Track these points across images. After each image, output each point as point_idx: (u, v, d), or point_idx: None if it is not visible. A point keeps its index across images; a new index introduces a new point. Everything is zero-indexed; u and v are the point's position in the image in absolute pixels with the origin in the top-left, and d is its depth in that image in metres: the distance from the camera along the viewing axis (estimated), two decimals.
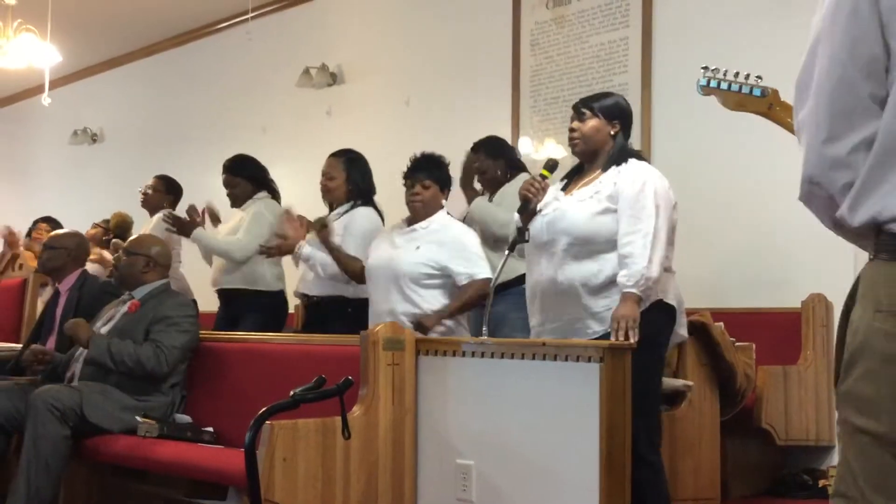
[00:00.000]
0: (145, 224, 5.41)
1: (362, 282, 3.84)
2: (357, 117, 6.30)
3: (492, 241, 4.11)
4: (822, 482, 3.88)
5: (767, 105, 2.48)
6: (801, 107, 1.40)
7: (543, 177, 3.23)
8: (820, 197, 1.37)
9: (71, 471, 3.58)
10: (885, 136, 1.29)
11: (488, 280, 3.51)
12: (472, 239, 3.71)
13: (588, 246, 3.05)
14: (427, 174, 3.73)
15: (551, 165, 3.29)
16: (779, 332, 4.20)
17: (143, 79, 8.20)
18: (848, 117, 1.32)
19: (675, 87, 4.67)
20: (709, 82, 2.42)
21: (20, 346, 4.54)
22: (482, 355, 3.12)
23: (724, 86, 2.43)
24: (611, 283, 3.02)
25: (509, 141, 5.31)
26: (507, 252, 3.34)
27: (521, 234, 3.24)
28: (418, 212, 3.72)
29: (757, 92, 2.43)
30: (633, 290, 2.94)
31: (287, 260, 4.59)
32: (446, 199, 3.82)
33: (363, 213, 4.14)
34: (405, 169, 3.80)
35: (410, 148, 5.86)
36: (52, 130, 8.85)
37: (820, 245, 4.18)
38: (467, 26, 5.77)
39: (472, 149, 4.43)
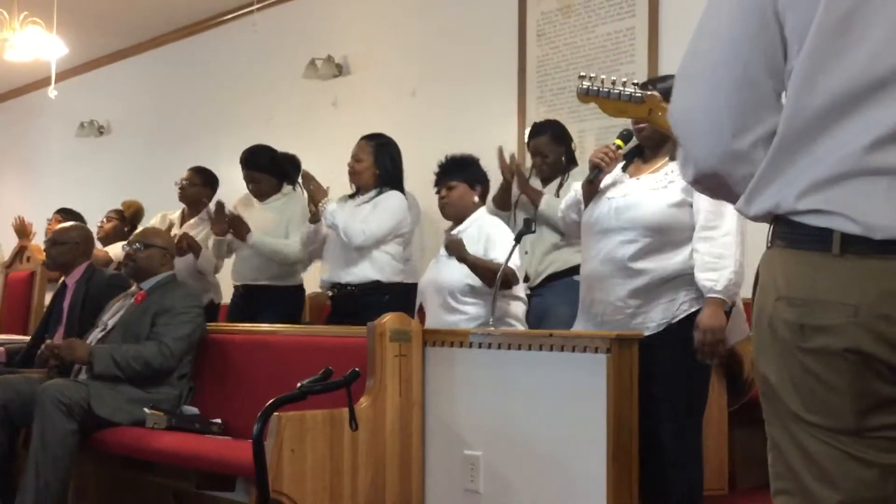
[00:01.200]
0: (164, 219, 5.30)
1: (504, 286, 3.48)
2: (363, 108, 6.29)
3: (550, 230, 4.02)
4: None
5: (647, 110, 2.44)
6: (687, 96, 1.40)
7: (618, 146, 3.01)
8: (718, 188, 1.40)
9: (80, 463, 3.59)
10: (783, 131, 1.30)
11: (514, 273, 3.46)
12: (499, 230, 3.59)
13: (658, 238, 2.85)
14: (451, 176, 3.67)
15: (626, 135, 3.05)
16: None
17: (150, 71, 8.20)
18: (753, 112, 1.34)
19: None
20: (588, 90, 2.39)
21: (28, 338, 4.56)
22: (489, 346, 3.12)
23: (602, 93, 2.39)
24: (677, 277, 2.84)
25: (515, 131, 5.31)
26: (514, 242, 3.33)
27: (528, 225, 3.22)
28: (449, 214, 3.68)
29: (636, 98, 2.40)
30: (720, 295, 2.74)
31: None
32: (482, 195, 3.70)
33: (391, 194, 4.08)
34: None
35: (417, 139, 5.87)
36: (59, 123, 8.85)
37: None
38: (473, 17, 5.75)
39: (534, 131, 4.31)
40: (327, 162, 4.81)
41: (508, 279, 3.44)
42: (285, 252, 4.56)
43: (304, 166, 4.85)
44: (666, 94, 2.97)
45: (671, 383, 2.85)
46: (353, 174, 4.19)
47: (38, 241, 5.90)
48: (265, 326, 4.02)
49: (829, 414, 1.28)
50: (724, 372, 3.58)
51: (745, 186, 1.36)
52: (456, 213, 3.65)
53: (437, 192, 3.71)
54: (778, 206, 1.31)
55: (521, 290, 3.64)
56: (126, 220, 5.98)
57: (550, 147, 4.22)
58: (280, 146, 5.04)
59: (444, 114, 5.83)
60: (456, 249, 3.49)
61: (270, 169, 4.73)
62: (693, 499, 2.89)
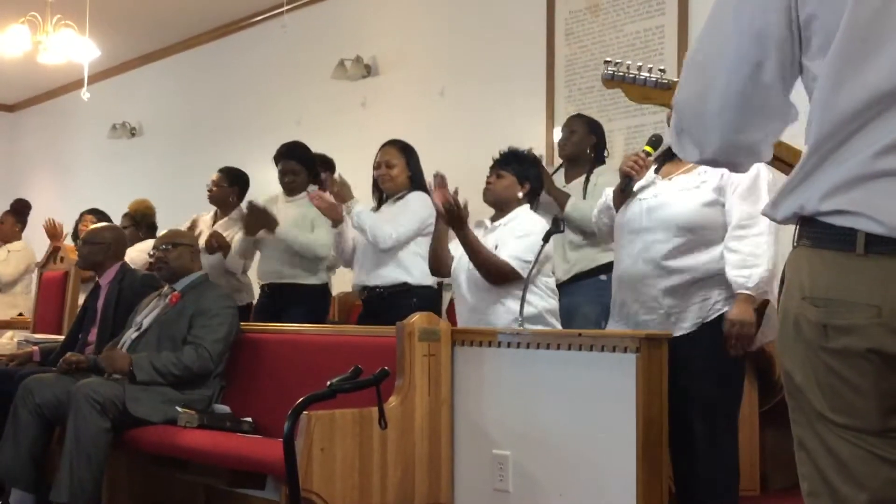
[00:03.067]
0: (195, 222, 5.34)
1: (497, 280, 3.38)
2: (392, 108, 6.30)
3: (579, 231, 4.00)
4: None
5: (672, 97, 2.44)
6: (694, 85, 1.41)
7: (647, 153, 3.03)
8: (717, 166, 1.47)
9: (113, 461, 3.63)
10: (816, 136, 1.30)
11: (512, 269, 3.32)
12: (535, 229, 3.41)
13: (690, 238, 2.86)
14: (504, 165, 3.54)
15: (654, 141, 3.08)
16: None
17: (181, 72, 8.27)
18: (762, 111, 1.35)
19: None
20: (613, 76, 2.38)
21: (62, 337, 4.62)
22: (518, 346, 3.12)
23: (628, 79, 2.38)
24: (710, 277, 2.85)
25: (543, 131, 5.30)
26: (542, 241, 3.31)
27: (557, 224, 3.21)
28: (488, 200, 3.52)
29: (662, 84, 2.39)
30: (751, 292, 2.75)
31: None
32: (529, 195, 3.55)
33: (422, 197, 4.05)
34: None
35: (445, 139, 5.88)
36: (92, 125, 8.95)
37: None
38: (501, 16, 5.75)
39: (574, 115, 4.33)
40: (357, 162, 4.83)
41: (506, 274, 3.33)
42: (313, 246, 4.57)
43: (332, 167, 4.87)
44: None
45: (705, 382, 2.85)
46: (388, 179, 4.16)
47: (68, 241, 5.97)
48: (295, 326, 4.05)
49: (854, 414, 1.28)
50: (755, 372, 3.56)
51: (745, 170, 1.44)
52: (495, 201, 3.52)
53: (487, 178, 3.57)
54: (803, 207, 1.31)
55: (552, 285, 3.55)
56: (138, 223, 5.99)
57: (582, 128, 4.24)
58: (309, 146, 5.06)
59: (473, 113, 5.83)
60: (459, 220, 3.34)
61: (307, 163, 4.76)
62: (726, 501, 2.88)
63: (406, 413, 3.12)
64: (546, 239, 3.28)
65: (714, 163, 1.43)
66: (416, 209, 4.04)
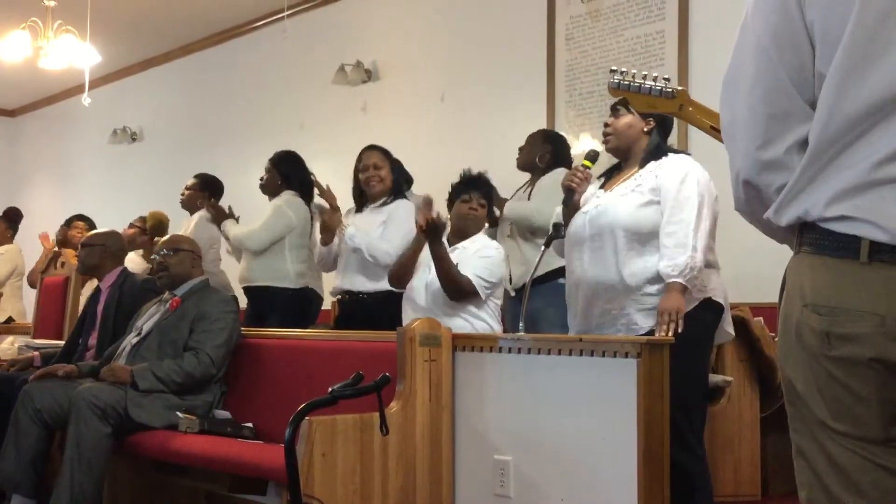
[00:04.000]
0: (185, 222, 5.46)
1: (456, 297, 3.53)
2: (392, 113, 6.31)
3: (528, 233, 4.12)
4: None
5: (678, 106, 2.45)
6: (729, 107, 1.41)
7: (585, 167, 3.19)
8: (757, 201, 1.39)
9: (114, 466, 3.63)
10: (815, 140, 1.30)
11: (473, 286, 3.48)
12: (494, 257, 3.61)
13: (633, 240, 2.99)
14: (483, 192, 3.70)
15: (592, 156, 3.25)
16: None
17: (182, 78, 8.28)
18: (783, 120, 1.34)
19: (712, 79, 4.60)
20: (619, 85, 2.40)
21: (63, 342, 4.62)
22: (519, 351, 3.12)
23: (633, 88, 2.40)
24: (658, 277, 2.96)
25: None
26: (543, 247, 3.34)
27: (558, 229, 3.23)
28: (470, 228, 3.67)
29: (667, 93, 2.41)
30: (679, 280, 2.88)
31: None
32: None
33: (406, 206, 4.14)
34: (454, 183, 3.74)
35: (445, 143, 5.89)
36: (93, 130, 8.96)
37: None
38: (502, 21, 5.76)
39: (533, 133, 4.47)
40: (361, 165, 4.82)
41: (466, 292, 3.48)
42: (242, 239, 4.72)
43: (334, 171, 4.89)
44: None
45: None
46: (378, 181, 4.22)
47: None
48: (296, 331, 4.05)
49: (856, 422, 1.27)
50: (756, 378, 3.56)
51: (773, 201, 1.36)
52: (474, 231, 3.67)
53: (467, 200, 3.67)
54: (807, 212, 1.30)
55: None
56: (145, 230, 6.05)
57: (534, 139, 4.38)
58: (310, 152, 5.08)
59: (473, 118, 5.84)
60: (437, 235, 3.48)
61: (283, 170, 4.79)
62: (707, 489, 2.97)
63: (407, 418, 3.12)
64: (547, 244, 3.31)
65: (747, 186, 1.39)
66: (403, 219, 4.10)
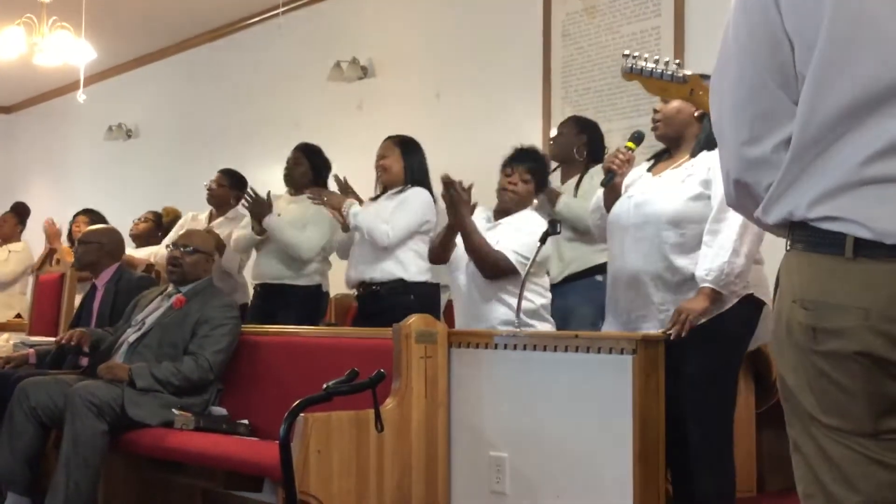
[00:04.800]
0: (189, 216, 5.37)
1: (490, 274, 3.39)
2: (388, 110, 6.30)
3: (570, 230, 3.94)
4: None
5: (689, 90, 2.46)
6: (717, 106, 1.42)
7: (629, 148, 3.05)
8: (749, 198, 1.40)
9: (110, 464, 3.63)
10: (796, 140, 1.31)
11: (509, 262, 3.34)
12: (531, 232, 3.39)
13: (680, 233, 2.84)
14: (529, 166, 3.50)
15: (637, 137, 3.11)
16: None
17: (177, 74, 8.26)
18: (768, 119, 1.35)
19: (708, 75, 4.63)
20: (632, 69, 2.40)
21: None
22: (515, 347, 3.12)
23: (646, 72, 2.40)
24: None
25: (540, 133, 5.30)
26: (538, 242, 3.30)
27: (554, 226, 3.21)
28: (507, 203, 3.50)
29: (678, 78, 2.42)
30: (710, 285, 2.73)
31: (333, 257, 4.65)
32: (538, 201, 3.59)
33: (419, 194, 4.07)
34: (504, 157, 3.57)
35: (441, 140, 5.88)
36: (88, 127, 8.95)
37: None
38: (497, 18, 5.75)
39: (563, 121, 4.31)
40: (353, 164, 4.81)
41: (502, 268, 3.33)
42: (298, 244, 4.56)
43: (330, 168, 4.87)
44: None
45: (698, 384, 2.83)
46: (382, 171, 4.19)
47: (64, 243, 5.97)
48: (292, 328, 4.04)
49: (845, 416, 1.28)
50: (752, 374, 3.56)
51: (763, 199, 1.38)
52: (515, 207, 3.51)
53: (507, 175, 3.53)
54: (791, 214, 1.32)
55: (546, 283, 3.56)
56: (162, 225, 6.03)
57: (570, 129, 4.18)
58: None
59: (469, 115, 5.83)
60: (459, 207, 3.32)
61: (315, 164, 4.76)
62: (722, 502, 2.87)
63: (403, 415, 3.12)
64: (543, 240, 3.27)
65: (737, 184, 1.40)
66: (414, 206, 4.04)
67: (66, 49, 6.00)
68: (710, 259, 2.75)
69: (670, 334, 2.77)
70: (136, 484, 3.81)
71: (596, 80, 5.18)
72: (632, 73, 2.41)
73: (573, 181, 4.15)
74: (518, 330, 3.19)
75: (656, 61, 2.41)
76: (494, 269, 3.35)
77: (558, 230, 3.19)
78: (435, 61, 6.14)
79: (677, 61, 2.45)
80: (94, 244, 4.49)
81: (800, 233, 1.32)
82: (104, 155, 8.88)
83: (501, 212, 3.54)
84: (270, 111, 7.19)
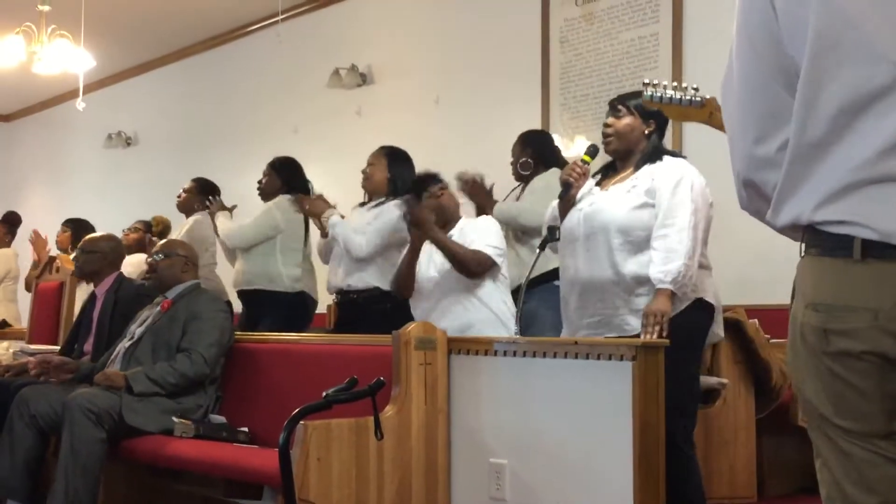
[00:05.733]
0: (179, 226, 5.46)
1: (473, 273, 3.55)
2: (387, 117, 6.31)
3: (520, 233, 4.10)
4: None
5: (708, 114, 2.53)
6: (726, 107, 1.44)
7: (585, 162, 3.18)
8: (760, 199, 1.40)
9: (109, 471, 3.62)
10: (794, 141, 1.32)
11: (487, 256, 3.52)
12: (492, 225, 3.69)
13: (627, 240, 3.00)
14: (438, 185, 3.75)
15: (592, 151, 3.24)
16: None
17: (176, 82, 8.27)
18: (773, 118, 1.35)
19: (706, 82, 4.61)
20: (652, 97, 2.47)
21: (58, 348, 4.61)
22: (514, 354, 3.12)
23: (665, 100, 2.47)
24: (649, 279, 2.96)
25: None
26: (538, 250, 3.33)
27: (552, 232, 3.22)
28: (447, 214, 3.71)
29: (696, 102, 2.48)
30: (669, 287, 2.90)
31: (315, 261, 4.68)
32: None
33: (394, 205, 4.13)
34: (409, 194, 3.80)
35: (440, 146, 5.88)
36: (87, 134, 8.95)
37: None
38: (496, 24, 5.76)
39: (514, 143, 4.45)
40: (352, 170, 4.81)
41: (484, 263, 3.50)
42: (229, 234, 4.74)
43: (329, 175, 4.89)
44: (640, 110, 3.08)
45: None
46: (365, 179, 4.30)
47: (54, 251, 5.98)
48: (292, 336, 4.04)
49: (859, 418, 1.29)
50: (752, 379, 3.57)
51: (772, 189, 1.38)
52: (443, 221, 3.70)
53: (430, 196, 3.74)
54: (798, 217, 1.33)
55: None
56: (153, 233, 6.05)
57: (515, 150, 4.34)
58: (305, 155, 5.07)
59: (468, 121, 5.84)
60: (422, 221, 3.52)
61: (283, 176, 4.80)
62: (699, 488, 2.99)
63: (402, 422, 3.11)
64: (542, 247, 3.30)
65: (747, 185, 1.41)
66: (388, 220, 4.11)
67: (66, 57, 6.01)
68: (663, 262, 2.91)
69: (648, 337, 2.88)
70: (136, 491, 3.81)
71: (594, 86, 5.19)
72: (653, 101, 2.48)
73: (518, 187, 4.28)
74: (518, 337, 3.20)
75: (674, 88, 2.47)
76: (479, 265, 3.52)
77: (557, 236, 3.20)
78: (433, 68, 6.15)
79: (695, 86, 2.51)
80: (97, 253, 4.49)
81: (811, 238, 1.34)
82: (103, 162, 8.89)
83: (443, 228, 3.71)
84: (270, 118, 7.20)
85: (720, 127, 2.59)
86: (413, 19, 6.38)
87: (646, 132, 3.11)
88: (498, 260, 3.56)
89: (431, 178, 3.77)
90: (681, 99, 2.47)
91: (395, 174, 4.23)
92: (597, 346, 2.90)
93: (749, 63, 1.37)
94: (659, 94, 2.46)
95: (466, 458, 3.20)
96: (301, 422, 2.69)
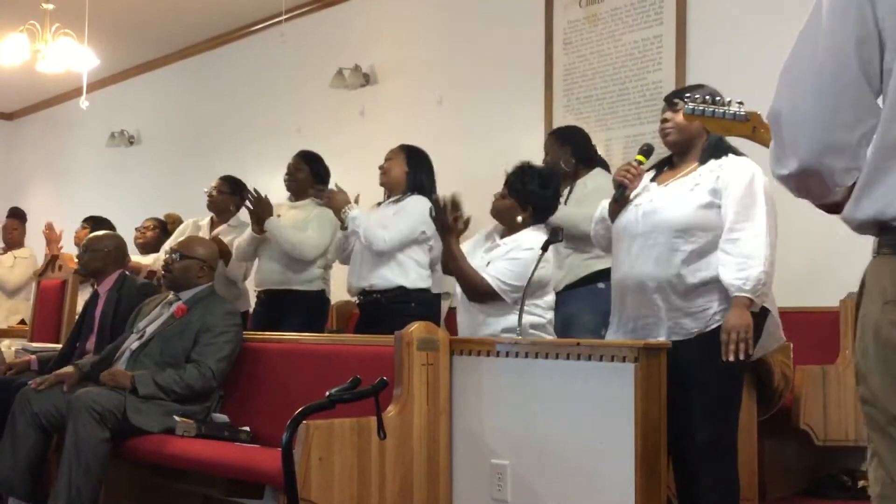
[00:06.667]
0: (189, 223, 5.38)
1: (474, 297, 3.48)
2: (390, 117, 6.32)
3: (581, 241, 3.92)
4: (861, 483, 3.83)
5: (751, 128, 2.50)
6: (791, 95, 1.42)
7: (639, 162, 3.08)
8: (821, 185, 1.40)
9: (112, 470, 3.63)
10: (882, 134, 1.32)
11: (490, 288, 3.39)
12: (525, 254, 3.42)
13: (688, 241, 2.86)
14: (509, 185, 3.57)
15: (646, 150, 3.14)
16: (817, 331, 4.16)
17: (179, 81, 8.28)
18: (854, 110, 1.35)
19: (710, 83, 4.63)
20: (693, 111, 2.45)
21: (60, 346, 4.62)
22: (516, 355, 3.12)
23: (708, 114, 2.44)
24: (711, 281, 2.84)
25: (541, 139, 5.30)
26: (540, 251, 3.32)
27: (556, 234, 3.22)
28: (501, 220, 3.56)
29: (741, 117, 2.46)
30: (748, 295, 2.73)
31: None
32: (535, 216, 3.54)
33: (419, 201, 4.08)
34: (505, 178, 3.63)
35: (443, 147, 5.88)
36: (90, 133, 8.96)
37: (858, 243, 4.13)
38: (499, 25, 5.76)
39: (546, 139, 4.36)
40: (355, 170, 4.84)
41: (483, 293, 3.40)
42: (301, 243, 4.54)
43: (333, 175, 4.89)
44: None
45: (705, 391, 2.84)
46: (382, 174, 4.24)
47: (66, 249, 5.97)
48: (294, 335, 4.04)
49: None
50: (754, 382, 3.56)
51: (841, 183, 1.38)
52: (498, 217, 3.59)
53: (498, 192, 3.61)
54: (882, 212, 1.33)
55: (552, 302, 3.57)
56: (167, 231, 6.02)
57: (552, 145, 4.24)
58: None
59: (471, 122, 5.84)
60: (445, 227, 3.40)
61: (315, 170, 4.76)
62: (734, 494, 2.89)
63: (404, 422, 3.12)
64: (545, 248, 3.29)
65: (806, 173, 1.39)
66: (412, 214, 4.06)
67: (69, 56, 6.02)
68: (739, 268, 2.76)
69: (730, 357, 2.75)
70: (138, 491, 3.81)
71: (598, 88, 5.19)
72: (693, 115, 2.45)
73: (566, 191, 4.17)
74: (519, 337, 3.20)
75: (715, 101, 2.44)
76: (475, 294, 3.42)
77: (560, 238, 3.19)
78: (437, 69, 6.15)
79: (739, 101, 2.48)
80: (101, 251, 4.50)
81: (889, 237, 1.34)
82: (106, 161, 8.89)
83: (505, 231, 3.58)
84: (273, 118, 7.20)
85: (763, 142, 2.58)
86: (417, 20, 6.39)
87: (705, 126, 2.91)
88: (507, 297, 3.38)
89: (508, 177, 3.59)
90: (724, 113, 2.44)
91: (412, 170, 4.19)
92: (599, 348, 2.90)
93: (833, 50, 1.36)
94: (701, 108, 2.44)
95: (468, 458, 3.20)
96: (303, 421, 2.69)
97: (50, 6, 5.94)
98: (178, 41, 7.93)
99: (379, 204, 4.31)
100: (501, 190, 3.57)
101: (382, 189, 4.33)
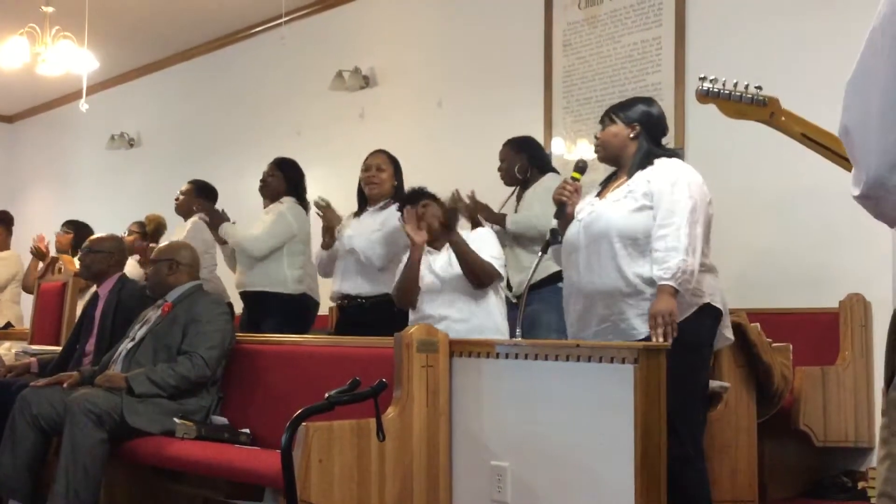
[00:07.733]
0: (178, 228, 5.46)
1: (482, 283, 3.64)
2: (390, 120, 6.32)
3: (525, 240, 4.12)
4: (861, 484, 3.83)
5: (769, 113, 2.47)
6: (861, 107, 1.39)
7: (574, 178, 3.22)
8: (886, 201, 1.36)
9: (110, 472, 3.62)
10: None
11: (495, 268, 3.61)
12: (491, 237, 3.75)
13: (628, 245, 3.00)
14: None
15: (581, 167, 3.28)
16: (816, 332, 4.16)
17: (179, 83, 8.28)
18: None
19: None
20: (708, 92, 2.41)
21: (59, 348, 4.62)
22: (516, 357, 3.12)
23: (723, 95, 2.40)
24: (654, 282, 2.95)
25: (541, 141, 5.31)
26: (540, 252, 3.35)
27: (555, 235, 3.24)
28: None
29: (758, 101, 2.42)
30: (670, 283, 2.89)
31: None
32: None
33: (395, 210, 4.13)
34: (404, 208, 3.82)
35: (443, 149, 5.89)
36: (90, 136, 8.97)
37: (857, 244, 4.13)
38: (499, 28, 5.77)
39: (502, 148, 4.47)
40: (355, 173, 4.82)
41: (491, 275, 3.60)
42: (244, 241, 4.68)
43: (331, 177, 4.90)
44: (621, 117, 3.11)
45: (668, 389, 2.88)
46: (377, 183, 4.27)
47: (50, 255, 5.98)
48: (293, 337, 4.05)
49: None
50: (753, 384, 3.56)
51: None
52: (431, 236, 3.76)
53: (421, 208, 3.77)
54: None
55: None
56: (147, 234, 6.04)
57: (506, 154, 4.37)
58: (308, 157, 5.07)
59: (471, 124, 5.84)
60: (452, 224, 3.63)
61: (287, 175, 4.80)
62: (705, 494, 2.98)
63: (404, 424, 3.12)
64: (545, 250, 3.31)
65: (868, 198, 1.36)
66: (397, 225, 4.09)
67: (69, 58, 6.02)
68: (663, 260, 2.91)
69: (660, 340, 2.87)
70: (137, 493, 3.81)
71: (597, 89, 5.19)
72: (707, 97, 2.41)
73: (513, 197, 4.31)
74: (520, 339, 3.20)
75: (735, 84, 2.41)
76: (486, 276, 3.60)
77: (559, 239, 3.21)
78: (436, 71, 6.15)
79: (757, 85, 2.44)
80: (104, 253, 4.50)
81: None
82: (106, 164, 8.90)
83: (433, 244, 3.76)
84: (272, 120, 7.21)
85: (782, 129, 2.55)
86: (416, 22, 6.39)
87: (631, 136, 3.12)
88: (501, 271, 3.66)
89: (414, 196, 3.80)
90: (741, 96, 2.42)
91: (398, 177, 4.30)
92: (598, 349, 2.90)
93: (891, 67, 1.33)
94: (717, 90, 2.40)
95: (468, 460, 3.20)
96: (303, 423, 2.69)
97: (50, 9, 5.95)
98: (177, 43, 7.94)
99: (358, 214, 4.32)
100: (419, 204, 3.74)
101: (365, 191, 4.33)
